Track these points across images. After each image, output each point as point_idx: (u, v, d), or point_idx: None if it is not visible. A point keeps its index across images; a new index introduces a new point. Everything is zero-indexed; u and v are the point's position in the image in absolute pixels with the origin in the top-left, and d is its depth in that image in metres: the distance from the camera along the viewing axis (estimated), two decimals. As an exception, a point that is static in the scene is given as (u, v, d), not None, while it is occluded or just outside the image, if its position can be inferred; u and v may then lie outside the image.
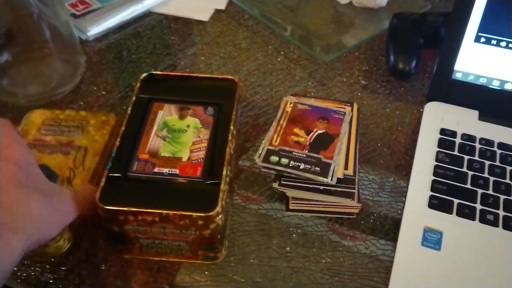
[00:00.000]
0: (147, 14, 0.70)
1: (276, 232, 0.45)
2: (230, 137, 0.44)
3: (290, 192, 0.45)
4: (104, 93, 0.59)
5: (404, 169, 0.50)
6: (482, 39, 0.51)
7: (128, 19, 0.69)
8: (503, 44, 0.50)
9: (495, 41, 0.51)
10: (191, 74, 0.51)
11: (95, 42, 0.66)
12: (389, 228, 0.46)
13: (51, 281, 0.41)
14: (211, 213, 0.38)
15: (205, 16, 0.70)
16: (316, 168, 0.43)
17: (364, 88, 0.60)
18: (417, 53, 0.60)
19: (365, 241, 0.45)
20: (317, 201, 0.44)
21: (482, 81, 0.53)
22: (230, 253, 0.43)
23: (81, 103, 0.57)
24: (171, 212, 0.38)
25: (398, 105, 0.58)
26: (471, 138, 0.50)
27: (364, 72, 0.62)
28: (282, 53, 0.65)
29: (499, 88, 0.53)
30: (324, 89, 0.60)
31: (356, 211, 0.45)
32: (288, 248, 0.44)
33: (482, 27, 0.50)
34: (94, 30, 0.66)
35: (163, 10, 0.71)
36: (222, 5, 0.72)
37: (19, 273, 0.42)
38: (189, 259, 0.42)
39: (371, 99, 0.59)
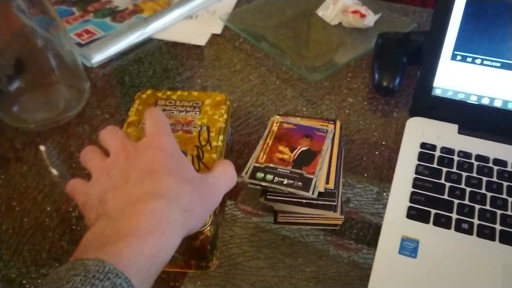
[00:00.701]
0: (148, 41, 0.75)
1: (264, 244, 0.48)
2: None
3: (276, 206, 0.48)
4: (107, 116, 0.63)
5: (387, 182, 0.53)
6: (458, 57, 0.54)
7: (130, 46, 0.73)
8: (478, 61, 0.53)
9: (470, 58, 0.54)
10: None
11: (99, 69, 0.70)
12: (371, 238, 0.48)
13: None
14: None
15: (202, 41, 0.74)
16: (299, 183, 0.46)
17: (351, 105, 0.63)
18: (401, 71, 0.63)
19: (348, 250, 0.48)
20: (302, 214, 0.48)
21: (460, 96, 0.56)
22: (221, 264, 0.47)
23: (86, 126, 0.61)
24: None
25: (383, 121, 0.61)
26: (450, 151, 0.53)
27: (351, 90, 0.65)
28: (275, 74, 0.69)
29: (476, 103, 0.55)
30: (314, 108, 0.63)
31: (339, 222, 0.48)
32: (275, 259, 0.47)
33: (458, 46, 0.53)
34: (98, 57, 0.70)
35: (163, 36, 0.75)
36: (218, 30, 0.76)
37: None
38: (183, 268, 0.46)
39: (358, 115, 0.62)
